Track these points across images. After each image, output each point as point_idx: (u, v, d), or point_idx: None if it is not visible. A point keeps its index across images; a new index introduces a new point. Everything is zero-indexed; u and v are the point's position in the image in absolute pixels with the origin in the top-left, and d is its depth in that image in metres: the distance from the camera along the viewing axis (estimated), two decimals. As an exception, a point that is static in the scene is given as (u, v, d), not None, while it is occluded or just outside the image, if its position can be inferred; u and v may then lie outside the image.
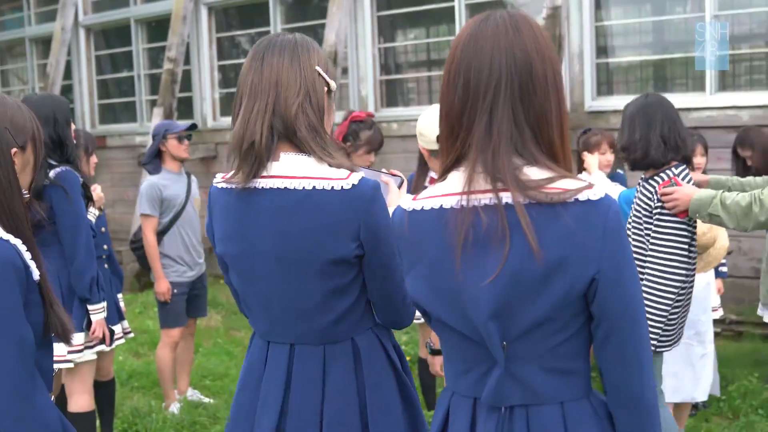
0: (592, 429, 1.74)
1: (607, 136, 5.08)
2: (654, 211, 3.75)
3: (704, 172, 5.52)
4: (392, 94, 10.18)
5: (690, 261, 3.76)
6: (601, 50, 8.63)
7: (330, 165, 2.22)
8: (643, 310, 1.76)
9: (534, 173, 1.68)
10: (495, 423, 1.75)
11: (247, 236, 2.26)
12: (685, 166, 3.83)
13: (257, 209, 2.23)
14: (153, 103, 11.31)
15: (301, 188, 2.19)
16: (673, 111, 3.83)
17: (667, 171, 3.76)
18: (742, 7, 7.98)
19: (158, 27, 11.59)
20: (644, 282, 3.70)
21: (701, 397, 4.76)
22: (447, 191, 1.75)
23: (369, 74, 9.88)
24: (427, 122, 3.54)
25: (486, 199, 1.68)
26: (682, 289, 3.74)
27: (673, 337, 3.85)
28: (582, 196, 1.65)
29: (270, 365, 2.33)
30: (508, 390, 1.73)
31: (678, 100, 7.94)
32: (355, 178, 2.19)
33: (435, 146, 3.41)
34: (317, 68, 2.26)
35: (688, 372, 4.59)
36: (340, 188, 2.18)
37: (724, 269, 5.51)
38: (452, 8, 9.23)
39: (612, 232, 1.66)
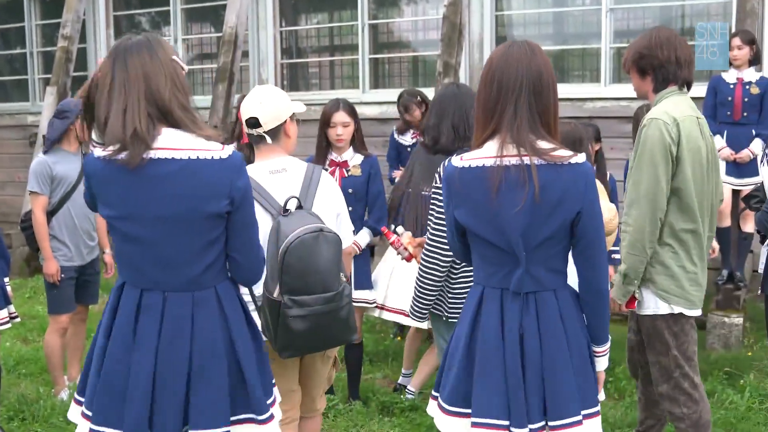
0: (570, 306, 2.78)
1: None
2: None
3: (595, 159, 5.65)
4: (294, 78, 10.09)
5: None
6: (501, 39, 8.74)
7: (204, 138, 2.73)
8: (603, 235, 2.76)
9: (543, 144, 2.66)
10: (518, 304, 2.73)
11: (133, 200, 2.67)
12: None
13: (143, 177, 2.65)
14: (46, 82, 10.93)
15: (186, 158, 2.68)
16: (470, 101, 3.99)
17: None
18: (636, 1, 8.19)
19: (53, 3, 11.21)
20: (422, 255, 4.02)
21: None
22: (486, 155, 2.70)
23: (270, 57, 9.78)
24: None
25: (513, 160, 2.64)
26: (455, 265, 3.98)
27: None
28: (572, 161, 2.66)
29: (144, 311, 2.74)
30: (526, 282, 2.71)
31: (575, 90, 8.21)
32: (228, 150, 2.75)
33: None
34: (174, 57, 2.75)
35: None
36: (218, 158, 2.72)
37: (616, 256, 5.62)
38: (356, -7, 9.23)
39: (590, 185, 2.68)
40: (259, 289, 3.25)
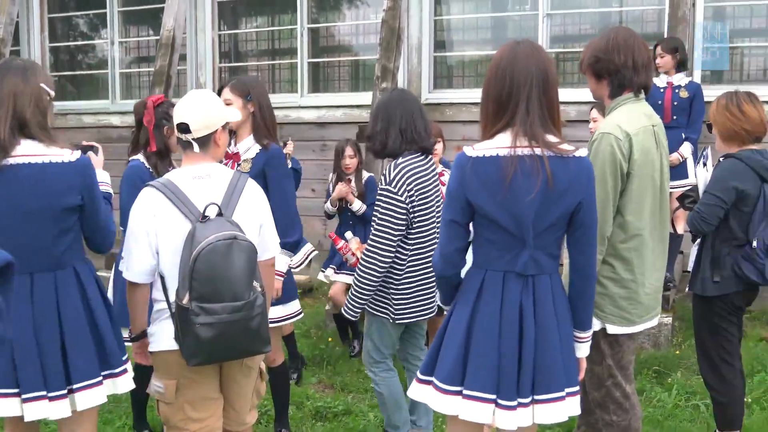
0: (560, 291, 3.05)
1: (433, 127, 5.15)
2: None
3: None
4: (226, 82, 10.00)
5: (407, 244, 4.13)
6: (440, 44, 8.80)
7: (58, 147, 3.33)
8: (597, 224, 3.07)
9: (551, 138, 2.89)
10: (519, 285, 2.95)
11: None
12: (422, 155, 4.19)
13: (4, 180, 3.23)
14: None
15: (40, 162, 3.28)
16: (415, 106, 4.14)
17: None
18: (572, 7, 8.30)
19: (-14, 4, 10.99)
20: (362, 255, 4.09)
21: None
22: (498, 145, 2.90)
23: (208, 61, 9.71)
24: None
25: (526, 151, 2.86)
26: (399, 266, 4.05)
27: (407, 311, 4.24)
28: (577, 154, 2.92)
29: (16, 292, 2.96)
30: (530, 265, 2.94)
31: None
32: (76, 154, 3.36)
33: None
34: (42, 84, 3.36)
35: None
36: (68, 161, 3.33)
37: None
38: (294, -2, 9.22)
39: (592, 177, 2.96)
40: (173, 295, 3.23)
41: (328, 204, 6.64)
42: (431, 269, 4.11)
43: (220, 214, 3.24)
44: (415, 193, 4.09)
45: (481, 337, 2.98)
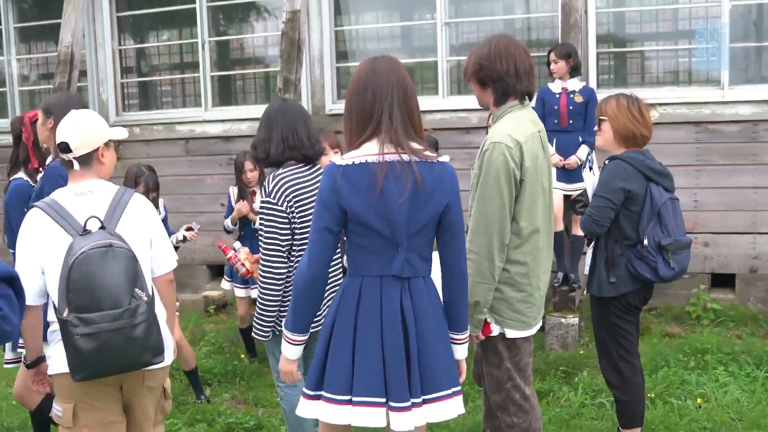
0: (434, 293, 3.18)
1: (329, 137, 5.18)
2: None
3: None
4: (137, 97, 9.87)
5: (292, 256, 4.07)
6: (342, 55, 8.83)
7: None
8: (464, 225, 3.21)
9: (415, 145, 3.04)
10: (398, 287, 3.08)
11: None
12: (305, 165, 4.18)
13: None
14: None
15: None
16: (299, 115, 4.18)
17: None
18: (470, 15, 8.43)
19: None
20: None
21: None
22: (367, 153, 3.02)
23: (109, 76, 9.54)
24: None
25: (394, 157, 3.00)
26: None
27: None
28: (440, 159, 3.09)
29: None
30: (406, 268, 3.07)
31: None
32: None
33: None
34: None
35: None
36: None
37: None
38: (194, 10, 9.13)
39: (455, 181, 3.12)
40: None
41: (228, 221, 6.61)
42: None
43: (102, 228, 3.24)
44: (294, 204, 4.05)
45: (365, 343, 3.08)
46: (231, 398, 6.14)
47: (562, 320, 6.63)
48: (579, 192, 4.64)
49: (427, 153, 3.08)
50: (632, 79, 8.21)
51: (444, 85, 8.23)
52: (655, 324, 7.09)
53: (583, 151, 6.75)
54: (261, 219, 4.07)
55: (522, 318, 3.78)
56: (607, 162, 4.43)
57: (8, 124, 9.85)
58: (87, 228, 3.22)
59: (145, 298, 3.22)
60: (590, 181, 4.53)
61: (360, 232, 3.07)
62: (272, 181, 4.07)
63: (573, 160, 6.76)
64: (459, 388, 3.22)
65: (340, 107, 8.51)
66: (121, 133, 3.65)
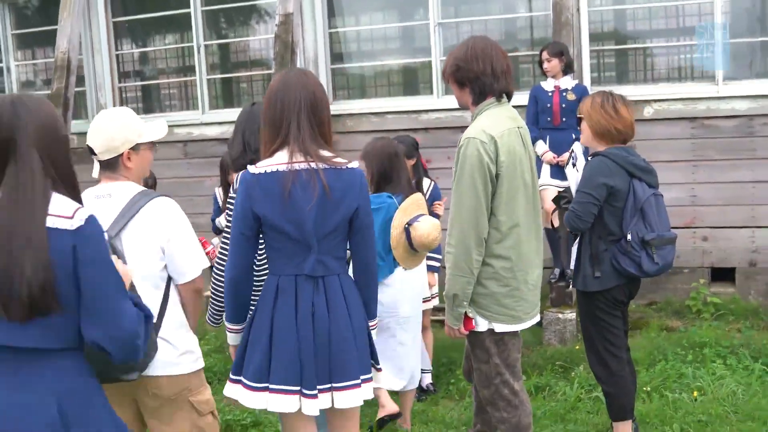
0: (351, 289, 3.34)
1: None
2: None
3: (414, 172, 5.77)
4: (132, 101, 9.91)
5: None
6: (337, 57, 8.85)
7: None
8: (373, 224, 3.39)
9: (324, 152, 3.20)
10: (311, 285, 3.23)
11: None
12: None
13: None
14: None
15: None
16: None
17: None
18: (462, 16, 8.45)
19: None
20: None
21: (398, 386, 4.90)
22: (278, 162, 3.18)
23: (107, 81, 9.58)
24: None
25: (303, 165, 3.17)
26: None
27: None
28: (350, 166, 3.24)
29: None
30: (318, 267, 3.23)
31: (410, 103, 8.39)
32: None
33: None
34: None
35: (387, 362, 4.64)
36: None
37: (434, 263, 5.72)
38: (189, 15, 9.18)
39: (364, 186, 3.31)
40: None
41: (222, 219, 6.56)
42: None
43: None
44: None
45: (282, 335, 3.23)
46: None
47: (560, 315, 6.64)
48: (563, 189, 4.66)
49: (337, 160, 3.24)
50: (627, 77, 8.21)
51: (438, 84, 8.23)
52: (655, 318, 7.09)
53: (577, 147, 6.73)
54: (226, 215, 4.08)
55: (509, 312, 3.81)
56: (590, 158, 4.44)
57: None
58: None
59: None
60: (573, 177, 4.55)
61: (274, 236, 3.25)
62: (237, 181, 4.06)
63: (566, 157, 6.75)
64: (369, 375, 3.39)
65: (336, 108, 8.49)
66: (157, 132, 3.46)
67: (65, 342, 2.48)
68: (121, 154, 3.32)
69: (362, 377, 3.33)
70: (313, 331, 3.23)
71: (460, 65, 3.76)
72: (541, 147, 6.94)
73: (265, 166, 3.21)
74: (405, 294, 4.84)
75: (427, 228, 4.35)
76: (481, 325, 3.83)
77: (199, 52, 9.21)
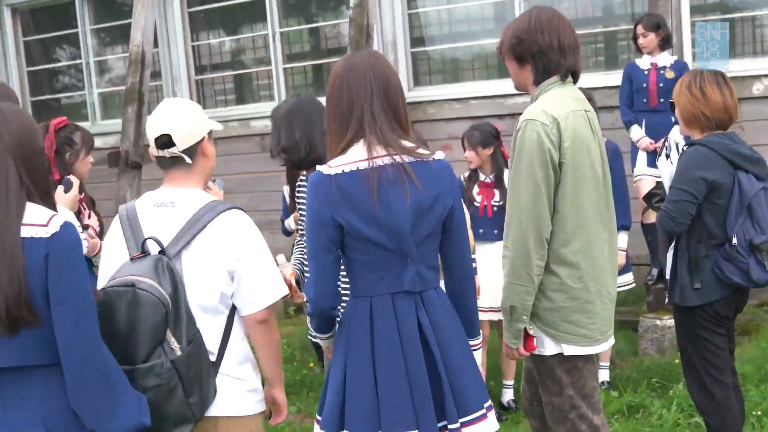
0: (447, 304, 2.87)
1: None
2: None
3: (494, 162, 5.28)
4: (210, 94, 9.64)
5: None
6: (418, 41, 8.32)
7: None
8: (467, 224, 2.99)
9: (407, 143, 2.74)
10: (412, 303, 2.76)
11: None
12: None
13: None
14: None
15: None
16: (314, 109, 3.76)
17: None
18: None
19: None
20: None
21: None
22: (355, 159, 2.71)
23: (183, 74, 9.34)
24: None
25: (386, 159, 2.70)
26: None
27: None
28: (436, 157, 2.79)
29: None
30: (417, 281, 2.75)
31: (495, 87, 7.80)
32: None
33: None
34: None
35: None
36: None
37: None
38: (263, 1, 8.82)
39: (454, 179, 2.85)
40: None
41: (290, 221, 6.07)
42: None
43: (162, 252, 2.71)
44: None
45: (388, 371, 2.75)
46: (297, 411, 5.76)
47: (657, 322, 5.94)
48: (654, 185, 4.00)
49: (421, 151, 2.78)
50: (737, 50, 7.37)
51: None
52: (767, 323, 6.28)
53: (675, 132, 6.07)
54: (298, 217, 3.71)
55: (581, 331, 3.24)
56: (685, 148, 3.79)
57: (90, 126, 10.05)
58: (144, 250, 2.71)
59: (179, 353, 2.63)
60: (667, 170, 3.89)
61: (361, 247, 2.75)
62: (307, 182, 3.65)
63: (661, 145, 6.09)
64: (489, 402, 2.93)
65: (416, 95, 8.07)
66: (216, 125, 3.07)
67: (48, 357, 2.35)
68: (200, 142, 2.88)
69: (485, 405, 2.89)
70: (425, 356, 2.77)
71: (521, 38, 3.22)
72: (637, 132, 6.27)
73: (341, 164, 2.73)
74: None
75: None
76: (549, 347, 3.25)
77: (274, 40, 8.84)
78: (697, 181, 3.62)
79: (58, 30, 10.42)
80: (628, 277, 5.57)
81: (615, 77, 6.82)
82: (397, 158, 2.70)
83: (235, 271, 2.80)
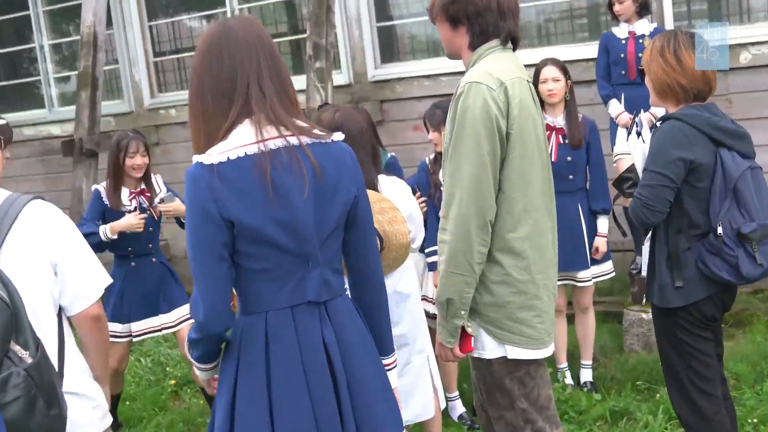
0: (356, 315, 2.42)
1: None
2: None
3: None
4: (171, 77, 9.09)
5: None
6: (383, 15, 7.76)
7: None
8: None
9: (301, 123, 2.32)
10: (316, 316, 2.30)
11: None
12: None
13: None
14: None
15: None
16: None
17: None
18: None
19: None
20: None
21: (426, 414, 3.79)
22: (242, 142, 2.23)
23: (140, 56, 8.78)
24: None
25: (279, 142, 2.25)
26: None
27: None
28: (335, 138, 2.38)
29: None
30: (322, 288, 2.31)
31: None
32: None
33: None
34: None
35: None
36: None
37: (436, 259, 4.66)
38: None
39: (356, 164, 2.40)
40: None
41: None
42: None
43: None
44: None
45: (286, 403, 2.27)
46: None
47: (643, 315, 5.40)
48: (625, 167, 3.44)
49: (317, 131, 2.34)
50: (718, 16, 6.81)
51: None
52: (762, 313, 5.75)
53: (645, 113, 5.59)
54: None
55: (528, 331, 2.81)
56: (659, 124, 3.27)
57: (38, 115, 9.54)
58: None
59: (29, 360, 2.22)
60: (640, 150, 3.36)
61: (255, 252, 2.25)
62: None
63: (647, 118, 5.52)
64: (402, 425, 2.50)
65: (384, 72, 7.58)
66: None
67: None
68: None
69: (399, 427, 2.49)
70: (333, 382, 2.31)
71: None
72: (616, 107, 5.76)
73: (224, 150, 2.22)
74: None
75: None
76: (490, 349, 2.82)
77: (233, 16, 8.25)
78: (674, 162, 3.09)
79: (8, 13, 9.87)
80: (608, 266, 5.08)
81: (593, 49, 6.29)
82: (293, 140, 2.25)
83: (57, 263, 2.63)
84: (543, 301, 2.82)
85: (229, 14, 8.27)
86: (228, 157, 2.21)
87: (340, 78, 7.59)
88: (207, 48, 2.31)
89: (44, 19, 9.51)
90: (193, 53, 7.75)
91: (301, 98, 7.36)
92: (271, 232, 2.22)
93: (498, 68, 2.74)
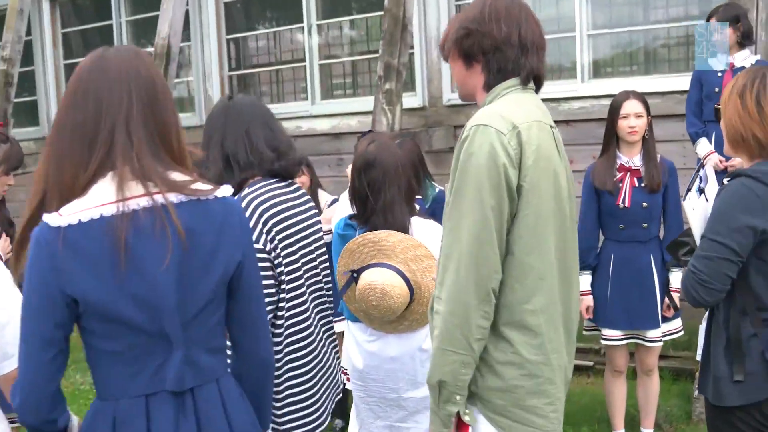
0: (237, 396, 2.14)
1: None
2: None
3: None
4: (241, 91, 8.90)
5: (279, 318, 2.92)
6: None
7: None
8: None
9: (176, 176, 1.99)
10: (173, 408, 2.00)
11: None
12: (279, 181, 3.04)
13: None
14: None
15: None
16: (254, 115, 3.00)
17: None
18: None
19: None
20: None
21: None
22: (99, 202, 1.92)
23: (214, 70, 8.61)
24: None
25: (143, 201, 1.93)
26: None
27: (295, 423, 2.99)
28: (218, 194, 2.05)
29: None
30: (186, 374, 2.00)
31: (548, 89, 6.74)
32: None
33: None
34: None
35: None
36: None
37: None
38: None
39: (246, 225, 2.18)
40: None
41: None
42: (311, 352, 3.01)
43: None
44: (278, 238, 2.85)
45: None
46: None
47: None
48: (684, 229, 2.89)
49: (197, 187, 2.01)
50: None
51: (586, 66, 6.64)
52: None
53: (712, 163, 5.00)
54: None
55: (539, 422, 2.36)
56: (726, 181, 2.71)
57: None
58: None
59: None
60: (700, 211, 2.79)
61: (103, 330, 1.97)
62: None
63: (738, 162, 4.94)
64: None
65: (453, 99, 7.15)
66: None
67: None
68: None
69: None
70: None
71: (470, 28, 2.39)
72: (705, 146, 5.19)
73: (76, 211, 1.93)
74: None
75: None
76: None
77: (310, 33, 7.98)
78: (740, 230, 2.52)
79: (95, 21, 9.89)
80: (677, 323, 4.56)
81: (682, 81, 5.79)
82: (159, 198, 1.94)
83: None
84: (557, 386, 2.36)
85: (305, 29, 7.99)
86: (79, 219, 1.91)
87: (413, 101, 7.26)
88: (77, 80, 2.00)
89: (125, 28, 9.47)
90: (266, 68, 7.49)
91: (368, 120, 7.04)
92: (123, 309, 1.93)
93: (512, 109, 2.30)
